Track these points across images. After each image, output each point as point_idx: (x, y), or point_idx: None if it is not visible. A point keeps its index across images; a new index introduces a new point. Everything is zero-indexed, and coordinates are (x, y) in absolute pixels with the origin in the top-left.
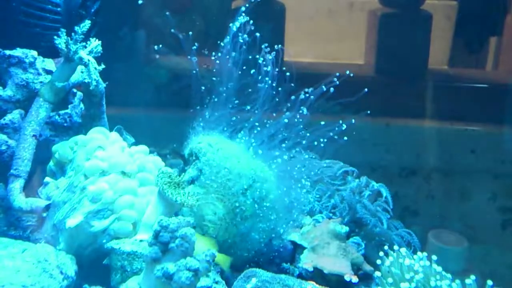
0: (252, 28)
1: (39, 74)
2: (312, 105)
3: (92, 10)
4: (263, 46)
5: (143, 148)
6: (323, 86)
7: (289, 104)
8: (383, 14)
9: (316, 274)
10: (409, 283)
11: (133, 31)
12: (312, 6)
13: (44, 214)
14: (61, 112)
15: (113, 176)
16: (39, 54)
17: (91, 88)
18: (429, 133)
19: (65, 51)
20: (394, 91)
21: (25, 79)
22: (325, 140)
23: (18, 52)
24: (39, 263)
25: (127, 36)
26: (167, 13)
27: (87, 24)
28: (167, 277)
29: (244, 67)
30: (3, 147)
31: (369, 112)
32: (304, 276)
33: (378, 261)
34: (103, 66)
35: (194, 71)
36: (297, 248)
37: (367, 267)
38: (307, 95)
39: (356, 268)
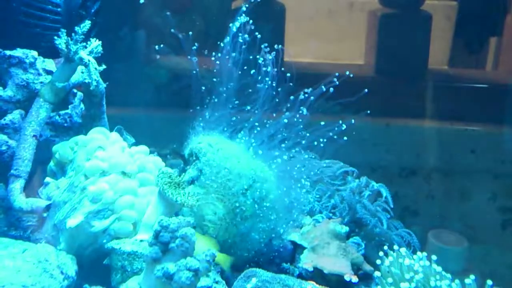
0: (252, 28)
1: (39, 74)
2: (312, 105)
3: (92, 11)
4: (262, 46)
5: (143, 148)
6: (323, 86)
7: (289, 105)
8: (383, 15)
9: (316, 274)
10: (409, 283)
11: (133, 32)
12: (312, 7)
13: (45, 214)
14: (62, 112)
15: (114, 176)
16: (39, 55)
17: (91, 88)
18: (429, 133)
19: (65, 52)
20: (394, 91)
21: (25, 80)
22: (325, 140)
23: (18, 52)
24: (39, 263)
25: (127, 37)
26: (168, 13)
27: (87, 24)
28: (167, 277)
29: (245, 67)
30: (4, 148)
31: (369, 112)
32: (304, 276)
33: (378, 261)
34: (104, 66)
35: (194, 71)
36: (297, 248)
37: (367, 267)
38: (307, 95)
39: (356, 268)
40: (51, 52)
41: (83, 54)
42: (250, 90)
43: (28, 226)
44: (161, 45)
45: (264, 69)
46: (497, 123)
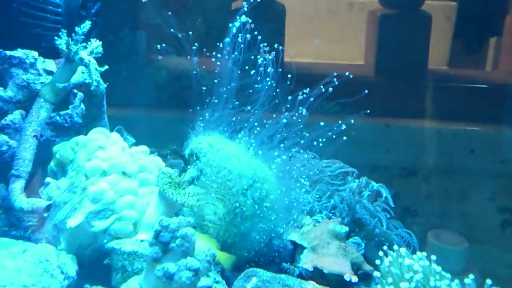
0: (253, 28)
1: (40, 74)
2: (312, 106)
3: (93, 11)
4: (261, 46)
5: (144, 148)
6: (323, 87)
7: (288, 105)
8: (383, 15)
9: (316, 274)
10: (408, 283)
11: (133, 32)
12: (312, 7)
13: (45, 214)
14: (62, 112)
15: (114, 176)
16: (40, 55)
17: (92, 88)
18: (428, 134)
19: (65, 52)
20: (394, 91)
21: (26, 80)
22: (325, 140)
23: (19, 52)
24: (40, 263)
25: (127, 37)
26: (169, 13)
27: (87, 24)
28: (167, 277)
29: (246, 67)
30: (4, 148)
31: (369, 112)
32: (304, 276)
33: (378, 261)
34: (106, 67)
35: (195, 72)
36: (297, 248)
37: (367, 267)
38: (307, 95)
39: (356, 268)
40: (51, 52)
41: (84, 54)
42: (250, 91)
43: (29, 226)
44: (163, 45)
45: (263, 69)
46: (497, 123)
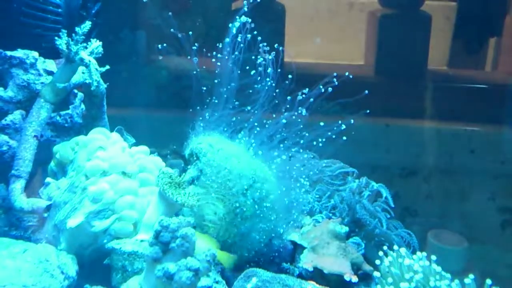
0: (253, 28)
1: (40, 75)
2: (312, 106)
3: (93, 11)
4: (261, 45)
5: (144, 148)
6: (323, 87)
7: (288, 105)
8: (382, 15)
9: (316, 274)
10: (408, 283)
11: (134, 32)
12: (312, 7)
13: (45, 215)
14: (62, 112)
15: (114, 176)
16: (40, 55)
17: (92, 88)
18: (428, 134)
19: (66, 52)
20: (394, 91)
21: (26, 80)
22: (325, 140)
23: (19, 53)
24: (40, 263)
25: (128, 37)
26: (169, 14)
27: (87, 25)
28: (167, 277)
29: (247, 67)
30: (4, 148)
31: (369, 112)
32: (304, 276)
33: (377, 261)
34: (107, 67)
35: (195, 72)
36: (297, 248)
37: (367, 267)
38: (307, 95)
39: (356, 268)
40: (52, 52)
41: (84, 54)
42: (250, 91)
43: (29, 226)
44: (164, 44)
45: (263, 69)
46: (497, 123)
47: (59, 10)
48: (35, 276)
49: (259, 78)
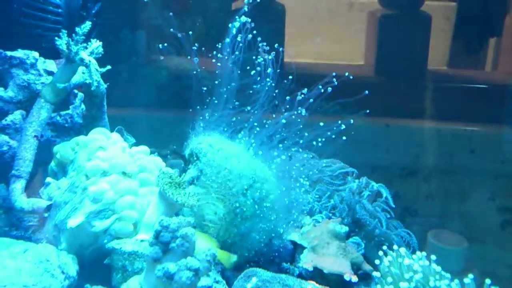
0: (253, 29)
1: (40, 75)
2: (312, 106)
3: (93, 12)
4: (261, 45)
5: (144, 148)
6: (323, 87)
7: (288, 105)
8: (382, 15)
9: (316, 274)
10: (408, 283)
11: (134, 32)
12: (312, 7)
13: (46, 214)
14: (62, 113)
15: (114, 176)
16: (40, 55)
17: (92, 89)
18: (428, 134)
19: (66, 52)
20: (394, 91)
21: (26, 80)
22: (325, 140)
23: (19, 53)
24: (40, 263)
25: (128, 37)
26: (170, 14)
27: (88, 25)
28: (168, 277)
29: (247, 67)
30: (5, 148)
31: (369, 112)
32: (304, 275)
33: (377, 261)
34: (108, 67)
35: (195, 72)
36: (297, 248)
37: (367, 267)
38: (307, 95)
39: (356, 267)
40: (52, 53)
41: (84, 55)
42: (250, 91)
43: (29, 226)
44: (165, 44)
45: (263, 69)
46: (497, 123)
47: (59, 10)
48: (36, 276)
49: (258, 78)
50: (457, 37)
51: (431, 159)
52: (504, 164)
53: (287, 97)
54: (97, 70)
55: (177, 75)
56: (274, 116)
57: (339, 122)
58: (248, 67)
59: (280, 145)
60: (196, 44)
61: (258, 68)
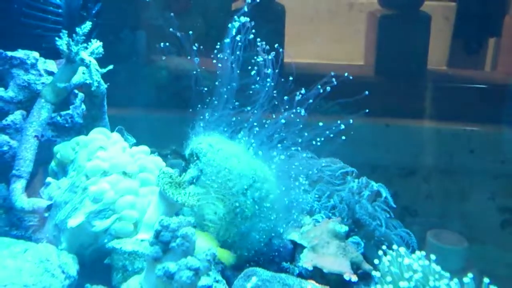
0: (252, 29)
1: (40, 75)
2: (311, 106)
3: (93, 12)
4: (260, 45)
5: (144, 148)
6: (323, 87)
7: (287, 106)
8: (382, 16)
9: (316, 273)
10: (408, 282)
11: (134, 32)
12: (312, 8)
13: (46, 214)
14: (63, 113)
15: (115, 176)
16: (40, 56)
17: (92, 89)
18: (428, 134)
19: (66, 53)
20: (394, 91)
21: (26, 80)
22: (325, 140)
23: (20, 53)
24: (41, 262)
25: (128, 37)
26: (171, 14)
27: (88, 25)
28: (168, 276)
29: (245, 68)
30: (5, 148)
31: (369, 112)
32: (304, 275)
33: (377, 261)
34: (110, 67)
35: (195, 72)
36: (297, 248)
37: (367, 266)
38: (307, 96)
39: (355, 267)
40: (52, 53)
41: (84, 55)
42: (250, 92)
43: (30, 226)
44: (167, 44)
45: (264, 70)
46: (496, 123)
47: (60, 10)
48: (36, 276)
49: (258, 78)
50: (456, 37)
51: (431, 159)
52: (503, 164)
53: (287, 97)
54: (97, 70)
55: (177, 75)
56: (274, 116)
57: (339, 122)
58: (248, 67)
59: (279, 145)
60: (196, 44)
61: (255, 67)
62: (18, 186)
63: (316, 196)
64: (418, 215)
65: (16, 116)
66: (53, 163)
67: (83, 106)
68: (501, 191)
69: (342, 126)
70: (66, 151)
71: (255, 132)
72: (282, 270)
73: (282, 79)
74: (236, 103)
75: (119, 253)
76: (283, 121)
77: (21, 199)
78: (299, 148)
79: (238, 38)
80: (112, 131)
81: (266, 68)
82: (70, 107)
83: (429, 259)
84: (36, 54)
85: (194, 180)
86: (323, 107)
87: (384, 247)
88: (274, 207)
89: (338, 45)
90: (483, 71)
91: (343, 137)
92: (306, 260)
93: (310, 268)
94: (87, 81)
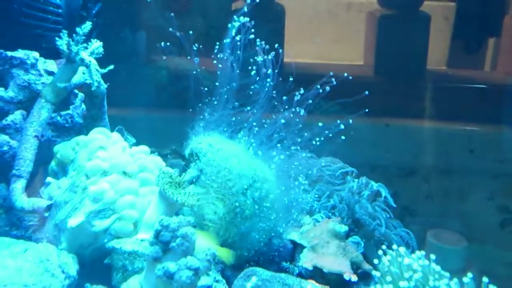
0: (252, 29)
1: (40, 75)
2: (311, 106)
3: (93, 12)
4: (259, 45)
5: (144, 148)
6: (323, 87)
7: (287, 106)
8: (382, 15)
9: (316, 273)
10: (408, 282)
11: (134, 32)
12: (312, 8)
13: (46, 214)
14: (63, 113)
15: (115, 176)
16: (40, 56)
17: (92, 89)
18: (428, 133)
19: (66, 53)
20: (394, 91)
21: (27, 80)
22: (325, 140)
23: (20, 53)
24: (41, 262)
25: (128, 37)
26: (171, 14)
27: (88, 25)
28: (168, 276)
29: (245, 68)
30: (5, 148)
31: (368, 112)
32: (303, 275)
33: (376, 260)
34: (111, 67)
35: (195, 72)
36: (297, 247)
37: (366, 266)
38: (306, 95)
39: (355, 267)
40: (52, 53)
41: (84, 55)
42: (250, 92)
43: (30, 226)
44: (168, 43)
45: (263, 70)
46: (496, 123)
47: (60, 10)
48: (36, 276)
49: (258, 78)
50: (456, 37)
51: (431, 159)
52: (503, 163)
53: (286, 97)
54: (97, 70)
55: (177, 75)
56: (273, 116)
57: (338, 122)
58: (248, 67)
59: (279, 145)
60: (196, 44)
61: (254, 67)
62: (18, 186)
63: (316, 196)
64: (418, 215)
65: (16, 116)
66: (53, 163)
67: (83, 106)
68: (500, 191)
69: (342, 126)
70: (66, 151)
71: (255, 132)
72: (282, 270)
73: (282, 79)
74: (236, 103)
75: (119, 253)
76: (282, 121)
77: (21, 199)
78: (299, 148)
79: (238, 38)
80: (112, 131)
81: (266, 68)
82: (70, 107)
83: (429, 259)
84: (36, 54)
85: (194, 180)
86: (323, 107)
87: (384, 247)
88: (274, 207)
89: (338, 45)
90: (482, 71)
91: (343, 137)
92: (306, 260)
93: (310, 268)
94: (87, 81)
